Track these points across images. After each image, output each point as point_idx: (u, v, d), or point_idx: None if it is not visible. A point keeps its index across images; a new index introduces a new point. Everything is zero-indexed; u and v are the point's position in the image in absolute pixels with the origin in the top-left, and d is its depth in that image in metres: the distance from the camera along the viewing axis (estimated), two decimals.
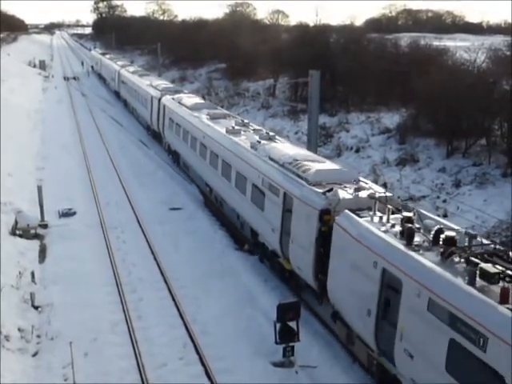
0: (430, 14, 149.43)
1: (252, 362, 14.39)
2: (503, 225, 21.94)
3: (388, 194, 15.13)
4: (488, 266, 10.22)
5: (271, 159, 19.05)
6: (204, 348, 14.93)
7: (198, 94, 42.42)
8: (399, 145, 33.18)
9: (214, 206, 25.67)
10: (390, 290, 11.92)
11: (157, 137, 39.44)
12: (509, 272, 10.14)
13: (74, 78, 79.63)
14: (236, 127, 24.77)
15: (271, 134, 23.66)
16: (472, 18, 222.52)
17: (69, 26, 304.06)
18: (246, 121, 27.46)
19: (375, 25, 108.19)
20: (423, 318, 10.71)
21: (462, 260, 10.82)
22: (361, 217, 13.55)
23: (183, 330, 15.95)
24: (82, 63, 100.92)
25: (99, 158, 35.48)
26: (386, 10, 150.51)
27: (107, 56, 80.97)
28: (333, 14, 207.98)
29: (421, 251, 11.41)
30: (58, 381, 13.74)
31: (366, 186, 16.02)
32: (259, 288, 18.34)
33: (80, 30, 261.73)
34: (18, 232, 22.85)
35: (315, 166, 17.17)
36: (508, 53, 37.40)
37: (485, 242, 11.63)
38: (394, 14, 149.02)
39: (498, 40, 49.49)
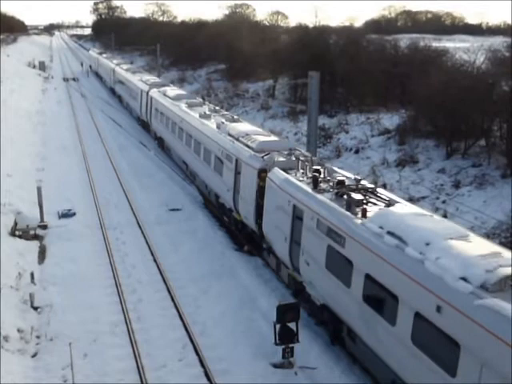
0: (429, 16, 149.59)
1: (251, 363, 14.39)
2: (503, 226, 21.95)
3: (314, 158, 18.99)
4: (357, 196, 14.54)
5: (229, 135, 23.05)
6: (203, 349, 14.93)
7: (197, 95, 42.43)
8: (399, 146, 33.16)
9: (213, 206, 25.69)
10: (297, 220, 16.09)
11: (145, 126, 43.65)
12: (371, 200, 14.64)
13: (74, 79, 79.67)
14: (207, 112, 28.69)
15: (235, 117, 27.51)
16: (471, 19, 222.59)
17: (68, 27, 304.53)
18: (217, 108, 31.51)
19: (374, 26, 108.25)
20: (313, 234, 15.10)
21: (346, 196, 14.86)
22: (288, 173, 17.62)
23: (183, 331, 15.95)
24: (82, 64, 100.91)
25: (99, 159, 35.49)
26: (385, 11, 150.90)
27: (104, 55, 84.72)
28: (332, 16, 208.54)
29: (323, 192, 15.53)
30: (57, 382, 13.73)
31: (297, 152, 19.83)
32: (259, 289, 18.34)
33: (79, 31, 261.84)
34: (17, 233, 22.84)
35: (260, 138, 21.27)
36: (507, 54, 37.46)
37: (364, 182, 16.16)
38: (393, 15, 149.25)
39: (498, 41, 49.52)
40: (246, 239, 21.47)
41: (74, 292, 18.14)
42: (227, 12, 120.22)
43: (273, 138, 22.60)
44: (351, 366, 14.36)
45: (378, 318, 12.26)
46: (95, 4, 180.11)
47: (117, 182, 30.73)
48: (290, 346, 14.18)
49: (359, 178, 16.29)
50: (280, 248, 17.42)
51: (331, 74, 44.57)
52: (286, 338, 14.17)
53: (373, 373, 13.53)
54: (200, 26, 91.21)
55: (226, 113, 29.71)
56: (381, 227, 12.62)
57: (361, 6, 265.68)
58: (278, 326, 14.12)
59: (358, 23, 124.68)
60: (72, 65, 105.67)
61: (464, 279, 10.16)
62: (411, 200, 24.01)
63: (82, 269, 19.88)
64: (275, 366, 14.31)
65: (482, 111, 29.37)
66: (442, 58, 44.04)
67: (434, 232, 11.63)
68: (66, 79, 79.43)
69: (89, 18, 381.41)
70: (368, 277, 12.64)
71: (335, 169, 18.04)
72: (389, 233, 12.30)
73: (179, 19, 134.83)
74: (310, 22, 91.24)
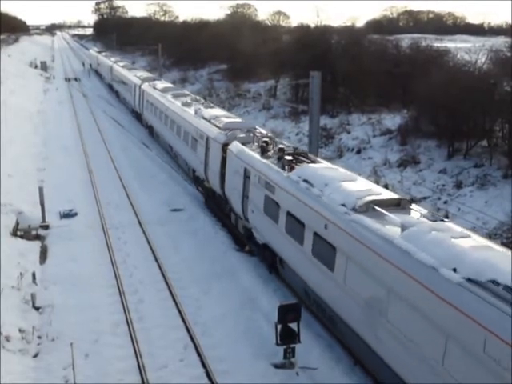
0: (430, 15, 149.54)
1: (253, 363, 14.37)
2: (504, 226, 21.93)
3: (268, 134, 22.90)
4: (288, 157, 18.28)
5: (203, 118, 27.09)
6: (205, 349, 14.91)
7: (199, 95, 42.45)
8: (400, 146, 33.14)
9: (215, 206, 25.73)
10: (247, 179, 19.79)
11: (138, 118, 47.77)
12: (301, 161, 18.22)
13: (76, 79, 79.73)
14: (189, 101, 32.70)
15: (212, 105, 32.65)
16: (473, 19, 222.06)
17: (70, 26, 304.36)
18: (197, 97, 36.09)
19: (376, 26, 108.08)
20: (256, 187, 18.91)
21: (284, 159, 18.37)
22: (245, 145, 21.24)
23: (184, 332, 15.94)
24: (83, 64, 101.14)
25: (100, 159, 35.49)
26: (387, 11, 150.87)
27: (103, 54, 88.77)
28: (334, 16, 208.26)
29: (268, 158, 19.24)
30: (58, 382, 13.71)
31: (256, 130, 23.40)
32: (260, 289, 18.32)
33: (81, 31, 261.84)
34: (19, 233, 22.85)
35: (226, 120, 25.29)
36: (509, 54, 37.45)
37: (300, 149, 20.59)
38: (394, 15, 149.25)
39: (499, 41, 49.52)
40: (214, 202, 25.66)
41: (76, 292, 18.13)
42: (229, 12, 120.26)
43: (237, 119, 27.14)
44: (352, 366, 14.36)
45: (294, 242, 16.20)
46: (97, 4, 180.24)
47: (118, 182, 30.75)
48: (292, 346, 14.15)
49: (295, 146, 21.40)
50: (236, 204, 21.14)
51: (333, 74, 44.61)
52: (288, 338, 14.15)
53: (294, 288, 17.58)
54: (202, 25, 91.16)
55: (205, 102, 34.15)
56: (299, 177, 16.52)
57: (362, 6, 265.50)
58: (279, 327, 14.10)
59: (360, 23, 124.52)
60: (74, 65, 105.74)
61: (343, 205, 14.05)
62: (413, 200, 23.98)
63: (83, 269, 19.88)
64: (276, 366, 14.28)
65: (484, 111, 29.38)
66: (443, 58, 44.02)
67: (333, 177, 15.71)
68: (67, 79, 79.46)
69: (90, 18, 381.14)
70: (288, 213, 16.61)
71: (280, 141, 22.41)
72: (304, 180, 16.21)
73: (181, 19, 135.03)
74: (312, 22, 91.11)
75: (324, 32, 58.11)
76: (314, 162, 18.42)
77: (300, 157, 18.80)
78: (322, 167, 17.30)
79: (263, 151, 19.76)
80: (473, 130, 30.53)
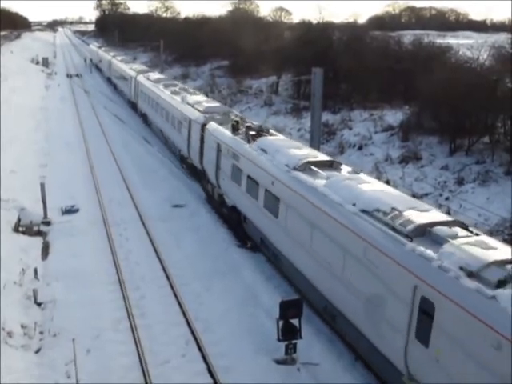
0: (433, 12, 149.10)
1: (254, 359, 14.40)
2: (506, 222, 21.91)
3: (241, 116, 26.85)
4: (252, 132, 21.75)
5: (188, 104, 30.87)
6: (206, 345, 14.96)
7: (200, 92, 42.47)
8: (402, 142, 33.08)
9: (216, 202, 25.75)
10: (220, 152, 23.09)
11: (134, 107, 51.37)
12: (263, 134, 21.78)
13: (77, 75, 79.72)
14: (177, 90, 36.81)
15: (197, 92, 37.65)
16: (476, 15, 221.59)
17: (72, 23, 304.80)
18: (186, 87, 40.50)
19: (378, 22, 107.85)
20: (227, 158, 22.19)
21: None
22: (221, 125, 24.55)
23: (186, 328, 15.98)
24: (85, 60, 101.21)
25: (102, 155, 35.51)
26: (389, 7, 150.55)
27: (102, 49, 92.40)
28: (336, 12, 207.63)
29: (237, 135, 22.47)
30: (60, 377, 13.75)
31: (232, 113, 27.63)
32: (262, 285, 18.36)
33: (83, 27, 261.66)
34: (21, 229, 22.90)
35: (207, 104, 29.24)
36: (511, 50, 37.31)
37: (264, 127, 23.42)
38: (397, 11, 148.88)
39: (502, 38, 49.27)
40: (192, 172, 29.48)
41: (78, 288, 18.17)
42: (230, 8, 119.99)
43: (217, 104, 30.84)
44: (354, 362, 14.39)
45: (252, 199, 19.48)
46: (99, 0, 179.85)
47: (120, 178, 30.76)
48: (293, 342, 14.20)
49: (261, 124, 24.26)
50: (211, 175, 24.38)
51: (335, 71, 44.47)
52: (289, 334, 14.18)
53: (253, 238, 20.80)
54: (203, 22, 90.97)
55: (192, 90, 38.07)
56: (258, 146, 19.84)
57: (365, 2, 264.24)
58: (280, 323, 14.13)
59: (362, 20, 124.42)
60: (75, 61, 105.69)
61: (286, 165, 17.39)
62: (414, 196, 23.96)
63: (85, 265, 19.92)
64: (278, 362, 14.32)
65: (486, 108, 29.29)
66: (445, 54, 43.88)
67: (283, 145, 19.20)
68: (69, 75, 79.45)
69: (92, 14, 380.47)
70: (248, 176, 19.87)
71: (250, 121, 25.46)
72: (261, 149, 19.52)
73: (182, 15, 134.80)
74: (314, 18, 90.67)
75: (326, 28, 57.92)
76: (272, 135, 22.15)
77: (263, 132, 22.15)
78: (277, 139, 21.14)
79: (234, 129, 23.09)
80: (475, 126, 30.46)
